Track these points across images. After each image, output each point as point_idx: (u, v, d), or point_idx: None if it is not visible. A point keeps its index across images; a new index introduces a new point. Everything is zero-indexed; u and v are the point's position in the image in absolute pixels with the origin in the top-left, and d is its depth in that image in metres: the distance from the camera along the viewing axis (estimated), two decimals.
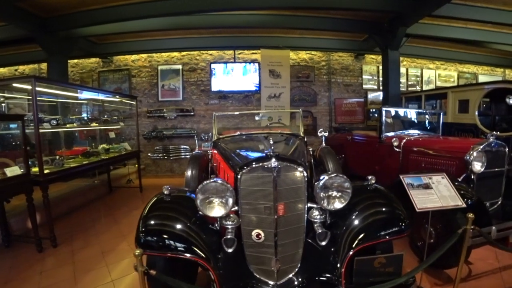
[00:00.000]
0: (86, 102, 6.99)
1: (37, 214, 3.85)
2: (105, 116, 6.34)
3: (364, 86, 9.00)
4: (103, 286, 2.88)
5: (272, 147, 2.01)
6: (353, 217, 2.06)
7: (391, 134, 4.58)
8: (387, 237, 2.00)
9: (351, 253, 1.91)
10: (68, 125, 5.26)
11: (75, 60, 8.53)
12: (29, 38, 6.63)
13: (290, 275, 1.94)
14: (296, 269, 1.97)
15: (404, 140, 4.22)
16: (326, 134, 4.06)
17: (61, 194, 5.59)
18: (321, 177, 2.02)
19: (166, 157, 8.34)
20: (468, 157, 3.20)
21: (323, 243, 2.00)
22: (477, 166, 3.20)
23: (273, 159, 1.92)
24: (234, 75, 8.08)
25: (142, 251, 1.77)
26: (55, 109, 6.38)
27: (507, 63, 10.24)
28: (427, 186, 2.58)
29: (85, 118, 5.79)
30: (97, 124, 6.13)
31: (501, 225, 2.86)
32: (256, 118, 4.83)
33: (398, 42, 6.68)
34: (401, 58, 9.18)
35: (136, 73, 8.45)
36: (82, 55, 8.10)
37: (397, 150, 4.22)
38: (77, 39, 7.06)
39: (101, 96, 6.84)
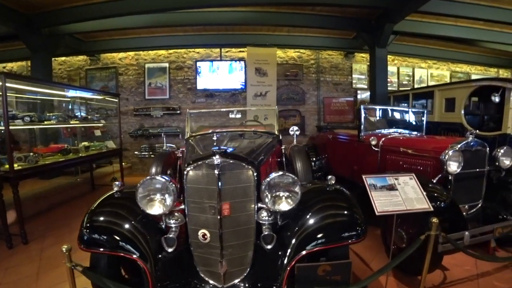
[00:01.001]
0: (69, 100, 6.78)
1: (12, 211, 3.76)
2: (82, 114, 6.10)
3: (354, 85, 8.69)
4: (65, 283, 2.66)
5: (229, 144, 1.99)
6: (305, 219, 1.86)
7: (370, 133, 4.30)
8: (339, 242, 1.81)
9: (296, 258, 1.73)
10: (46, 122, 5.07)
11: (63, 58, 8.31)
12: (14, 35, 6.43)
13: (238, 279, 1.82)
14: (246, 273, 1.84)
15: (383, 139, 3.94)
16: (298, 132, 3.79)
17: (42, 192, 5.48)
18: (270, 176, 1.84)
19: (152, 156, 8.10)
20: (443, 157, 2.92)
21: (269, 247, 1.83)
22: (453, 167, 2.91)
23: (217, 156, 1.78)
24: (220, 73, 7.82)
25: (70, 247, 1.74)
26: (37, 106, 6.21)
27: (500, 63, 9.88)
28: (391, 188, 2.30)
29: (62, 115, 5.56)
30: (77, 122, 5.93)
31: (476, 230, 2.58)
32: (230, 115, 4.55)
33: (385, 39, 6.38)
34: (392, 57, 8.93)
35: (123, 71, 8.22)
36: (69, 52, 7.86)
37: (376, 149, 3.94)
38: (61, 36, 6.84)
39: (84, 94, 6.65)
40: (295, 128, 3.80)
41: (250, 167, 1.87)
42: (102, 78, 8.23)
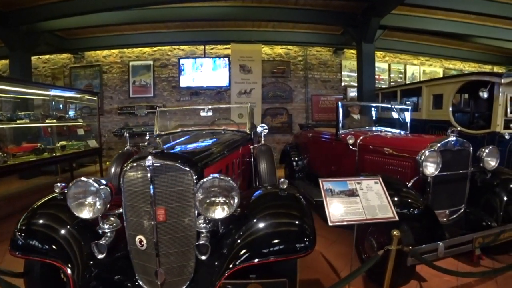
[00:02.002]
0: (48, 98, 6.48)
1: None
2: (57, 113, 5.78)
3: (344, 83, 8.31)
4: None
5: (187, 143, 1.84)
6: (246, 228, 1.63)
7: (348, 131, 3.92)
8: (280, 256, 1.53)
9: (228, 273, 1.49)
10: (18, 122, 4.91)
11: (47, 56, 8.01)
12: None
13: None
14: (186, 284, 1.66)
15: (361, 138, 3.56)
16: (267, 130, 3.43)
17: (18, 192, 5.38)
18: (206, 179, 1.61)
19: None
20: (419, 158, 2.54)
21: (203, 257, 1.60)
22: (430, 168, 2.53)
23: (149, 157, 1.59)
24: (203, 70, 7.46)
25: None
26: (12, 105, 5.92)
27: (495, 59, 9.43)
28: (352, 193, 1.94)
29: (36, 114, 5.26)
30: (53, 121, 5.66)
31: (452, 240, 2.21)
32: (202, 113, 4.21)
33: (372, 34, 5.98)
34: (383, 53, 8.54)
35: (107, 69, 7.89)
36: (51, 50, 7.57)
37: (353, 149, 3.56)
38: (40, 33, 6.53)
39: (63, 93, 6.36)
40: (264, 126, 3.43)
41: (188, 169, 1.65)
42: (86, 76, 7.91)
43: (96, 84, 7.84)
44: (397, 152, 3.00)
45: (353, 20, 6.14)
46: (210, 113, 4.47)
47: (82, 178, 1.69)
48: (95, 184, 1.67)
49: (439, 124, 4.85)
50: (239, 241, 1.58)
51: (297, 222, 1.62)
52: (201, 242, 1.59)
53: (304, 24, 6.95)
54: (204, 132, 3.72)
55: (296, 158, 5.35)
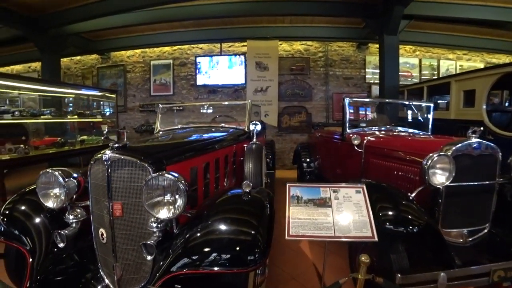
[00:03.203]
0: (74, 96, 6.69)
1: None
2: (78, 110, 5.91)
3: (368, 80, 7.60)
4: None
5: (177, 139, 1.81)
6: (194, 232, 1.44)
7: (355, 130, 3.41)
8: (220, 267, 1.30)
9: (161, 280, 1.37)
10: (42, 117, 5.23)
11: (78, 57, 8.32)
12: (23, 37, 6.49)
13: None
14: (144, 282, 1.58)
15: (367, 138, 3.06)
16: (259, 127, 3.06)
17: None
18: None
19: None
20: (425, 163, 2.02)
21: (149, 258, 1.46)
22: (440, 177, 2.00)
23: (107, 151, 1.59)
24: (219, 68, 7.20)
25: None
26: (41, 102, 6.19)
27: None
28: (323, 203, 1.52)
29: (57, 111, 5.40)
30: (75, 116, 5.89)
31: (462, 270, 1.69)
32: (202, 111, 4.03)
33: (395, 25, 5.29)
34: (413, 47, 7.68)
35: (130, 69, 7.97)
36: (79, 52, 7.82)
37: (359, 150, 3.07)
38: (67, 36, 6.71)
39: (88, 92, 6.55)
40: (256, 123, 3.07)
41: (146, 164, 1.56)
42: (112, 75, 8.06)
43: (120, 83, 7.96)
44: (405, 155, 2.48)
45: (374, 10, 5.49)
46: (210, 110, 4.31)
47: (48, 170, 1.74)
48: (59, 177, 1.71)
49: (469, 124, 4.11)
50: (181, 245, 1.41)
51: (251, 231, 1.39)
52: (147, 242, 1.45)
53: (323, 18, 6.40)
54: (198, 128, 3.54)
55: (306, 159, 4.91)
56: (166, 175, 1.45)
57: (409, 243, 1.68)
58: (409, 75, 7.80)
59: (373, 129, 3.44)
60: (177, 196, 1.46)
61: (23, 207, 1.85)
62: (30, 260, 1.64)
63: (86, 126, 6.47)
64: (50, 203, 1.75)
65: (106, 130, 5.92)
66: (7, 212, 1.82)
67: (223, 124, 3.66)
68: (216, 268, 1.28)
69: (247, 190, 1.61)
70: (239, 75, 7.23)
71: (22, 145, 4.52)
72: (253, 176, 2.54)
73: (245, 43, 7.18)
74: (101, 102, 7.07)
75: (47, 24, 6.28)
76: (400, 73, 6.11)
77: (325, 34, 7.01)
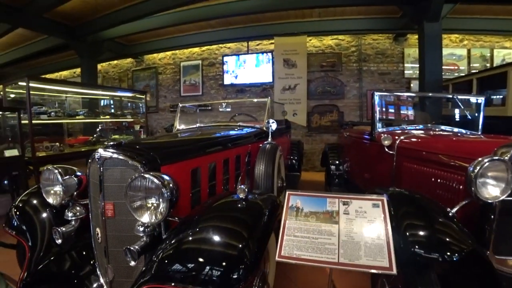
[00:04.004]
0: (108, 97, 6.95)
1: None
2: (110, 110, 6.09)
3: (407, 74, 6.87)
4: None
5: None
6: (176, 240, 1.24)
7: (387, 129, 2.96)
8: (191, 285, 1.07)
9: None
10: (77, 117, 5.54)
11: (115, 62, 8.67)
12: (66, 45, 6.90)
13: None
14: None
15: (401, 138, 2.61)
16: (274, 126, 2.75)
17: None
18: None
19: None
20: (471, 170, 1.57)
21: (132, 263, 1.31)
22: (492, 189, 1.54)
23: (99, 149, 1.56)
24: (246, 67, 6.98)
25: None
26: (78, 104, 6.51)
27: None
28: (328, 218, 1.17)
29: (89, 111, 5.60)
30: (107, 117, 6.20)
31: None
32: (220, 109, 3.86)
33: (436, 10, 4.63)
34: (460, 36, 6.81)
35: (162, 70, 8.11)
36: (115, 56, 8.15)
37: (390, 152, 2.63)
38: (102, 42, 7.01)
39: (121, 93, 6.78)
40: (273, 121, 2.77)
41: (137, 164, 1.46)
42: (145, 77, 8.26)
43: (152, 84, 8.13)
44: (447, 159, 2.02)
45: None
46: (228, 109, 4.15)
47: (49, 167, 1.75)
48: (58, 175, 1.71)
49: None
50: (159, 255, 1.21)
51: (239, 244, 1.14)
52: (131, 247, 1.31)
53: (354, 9, 5.89)
54: (214, 128, 3.40)
55: (334, 161, 4.49)
56: (148, 176, 1.30)
57: (447, 275, 1.29)
58: (455, 68, 6.91)
59: (408, 128, 2.96)
60: (161, 200, 1.31)
61: (32, 203, 1.89)
62: (29, 254, 1.67)
63: (119, 126, 6.65)
64: (50, 200, 1.76)
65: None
66: (19, 205, 1.88)
67: (240, 123, 3.45)
68: (190, 286, 1.06)
69: (242, 196, 1.38)
70: (266, 73, 6.95)
71: (57, 143, 4.85)
72: (263, 179, 2.26)
73: (272, 41, 6.88)
74: (133, 103, 7.25)
75: (84, 31, 6.62)
76: (444, 67, 5.38)
77: (358, 26, 6.45)
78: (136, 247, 1.31)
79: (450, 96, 3.19)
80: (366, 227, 1.11)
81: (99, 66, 8.80)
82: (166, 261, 1.15)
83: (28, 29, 6.21)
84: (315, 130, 7.08)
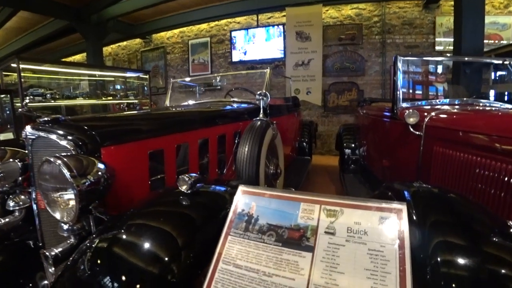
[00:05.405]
0: (113, 79, 6.67)
1: None
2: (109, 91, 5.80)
3: (439, 48, 5.94)
4: None
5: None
6: (91, 244, 0.87)
7: (410, 104, 2.32)
8: None
9: None
10: (77, 99, 5.49)
11: (124, 43, 8.38)
12: (72, 29, 6.63)
13: None
14: None
15: (431, 115, 1.97)
16: (268, 99, 2.22)
17: None
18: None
19: None
20: None
21: (51, 270, 1.04)
22: None
23: (27, 127, 1.25)
24: (256, 42, 6.35)
25: None
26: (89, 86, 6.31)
27: None
28: (298, 239, 0.65)
29: (88, 93, 5.34)
30: (110, 98, 6.03)
31: None
32: (214, 84, 3.39)
33: None
34: (504, 1, 5.74)
35: (170, 50, 7.70)
36: (122, 37, 7.86)
37: (416, 133, 2.02)
38: (107, 21, 6.65)
39: (124, 74, 6.48)
40: (262, 92, 2.23)
41: (66, 144, 1.15)
42: (154, 58, 7.90)
43: (161, 65, 7.77)
44: (499, 143, 1.40)
45: None
46: (220, 83, 3.71)
47: None
48: None
49: None
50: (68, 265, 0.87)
51: (165, 257, 0.74)
52: (46, 251, 1.01)
53: None
54: (203, 104, 3.02)
55: (350, 145, 3.90)
56: (54, 160, 0.97)
57: None
58: (498, 38, 5.89)
59: (439, 102, 2.31)
60: (67, 192, 1.02)
61: None
62: None
63: (129, 107, 6.39)
64: None
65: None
66: None
67: (234, 99, 2.95)
68: None
69: (184, 188, 0.96)
70: (277, 48, 6.30)
71: None
72: (245, 164, 1.76)
73: (284, 13, 6.16)
74: (139, 84, 6.95)
75: (88, 11, 6.28)
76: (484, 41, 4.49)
77: None
78: (56, 251, 1.02)
79: (500, 61, 2.45)
80: (363, 261, 0.60)
81: (108, 49, 8.55)
82: (73, 270, 0.81)
83: (31, 12, 5.95)
84: (332, 110, 6.41)
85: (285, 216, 0.69)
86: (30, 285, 1.42)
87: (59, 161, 0.98)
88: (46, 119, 1.24)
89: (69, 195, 1.02)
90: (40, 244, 1.35)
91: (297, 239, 0.65)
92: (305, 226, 0.67)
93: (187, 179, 0.97)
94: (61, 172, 0.97)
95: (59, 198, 1.06)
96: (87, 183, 1.02)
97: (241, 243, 0.68)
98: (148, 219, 0.91)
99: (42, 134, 1.22)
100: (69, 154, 1.12)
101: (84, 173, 1.03)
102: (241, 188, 0.79)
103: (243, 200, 0.75)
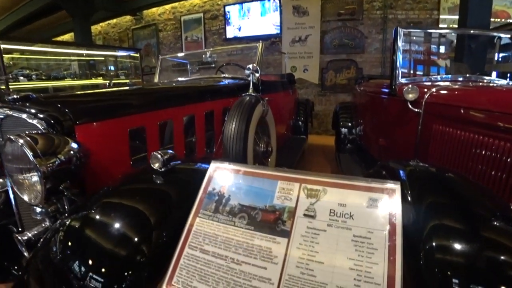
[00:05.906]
0: (103, 58, 6.43)
1: None
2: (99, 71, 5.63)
3: (443, 24, 5.70)
4: None
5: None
6: (59, 227, 0.81)
7: (410, 80, 2.20)
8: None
9: None
10: (65, 80, 5.42)
11: (114, 21, 8.02)
12: (57, 6, 6.30)
13: None
14: None
15: (431, 92, 1.86)
16: (258, 74, 2.11)
17: None
18: None
19: None
20: None
21: (27, 255, 0.99)
22: None
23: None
24: (251, 17, 6.07)
25: None
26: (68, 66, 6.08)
27: None
28: (273, 221, 0.58)
29: (74, 73, 5.16)
30: (100, 78, 5.86)
31: None
32: (204, 60, 3.28)
33: None
34: None
35: (162, 27, 7.38)
36: (111, 15, 7.48)
37: (415, 110, 1.91)
38: None
39: (114, 53, 6.22)
40: (252, 66, 2.11)
41: (39, 125, 1.07)
42: (145, 36, 7.60)
43: (153, 43, 7.49)
44: (502, 121, 1.30)
45: None
46: (210, 59, 3.61)
47: None
48: None
49: None
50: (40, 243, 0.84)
51: (134, 238, 0.67)
52: (19, 235, 0.98)
53: None
54: (190, 80, 2.89)
55: (346, 124, 3.79)
56: (16, 138, 0.92)
57: None
58: (505, 16, 5.65)
59: (441, 78, 2.19)
60: (31, 173, 0.97)
61: None
62: None
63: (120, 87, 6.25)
64: None
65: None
66: None
67: (225, 75, 2.83)
68: None
69: (156, 166, 0.88)
70: (273, 23, 6.02)
71: None
72: (232, 141, 1.67)
73: None
74: (129, 63, 6.72)
75: None
76: (491, 19, 4.27)
77: None
78: (30, 235, 0.99)
79: (508, 35, 2.29)
80: (347, 249, 0.51)
81: (98, 27, 8.21)
82: (44, 256, 0.77)
83: None
84: (330, 89, 6.24)
85: (260, 196, 0.61)
86: (16, 267, 1.39)
87: (21, 140, 0.92)
88: (15, 96, 1.16)
89: (35, 177, 0.96)
90: (20, 229, 1.30)
91: (271, 222, 0.56)
92: (282, 207, 0.58)
93: (159, 156, 0.88)
94: (23, 152, 0.91)
95: (26, 180, 1.00)
96: (56, 163, 0.97)
97: (209, 226, 0.60)
98: (118, 198, 0.85)
99: (10, 112, 1.15)
100: (36, 132, 1.05)
101: (52, 153, 0.98)
102: (213, 164, 0.70)
103: (215, 177, 0.66)
